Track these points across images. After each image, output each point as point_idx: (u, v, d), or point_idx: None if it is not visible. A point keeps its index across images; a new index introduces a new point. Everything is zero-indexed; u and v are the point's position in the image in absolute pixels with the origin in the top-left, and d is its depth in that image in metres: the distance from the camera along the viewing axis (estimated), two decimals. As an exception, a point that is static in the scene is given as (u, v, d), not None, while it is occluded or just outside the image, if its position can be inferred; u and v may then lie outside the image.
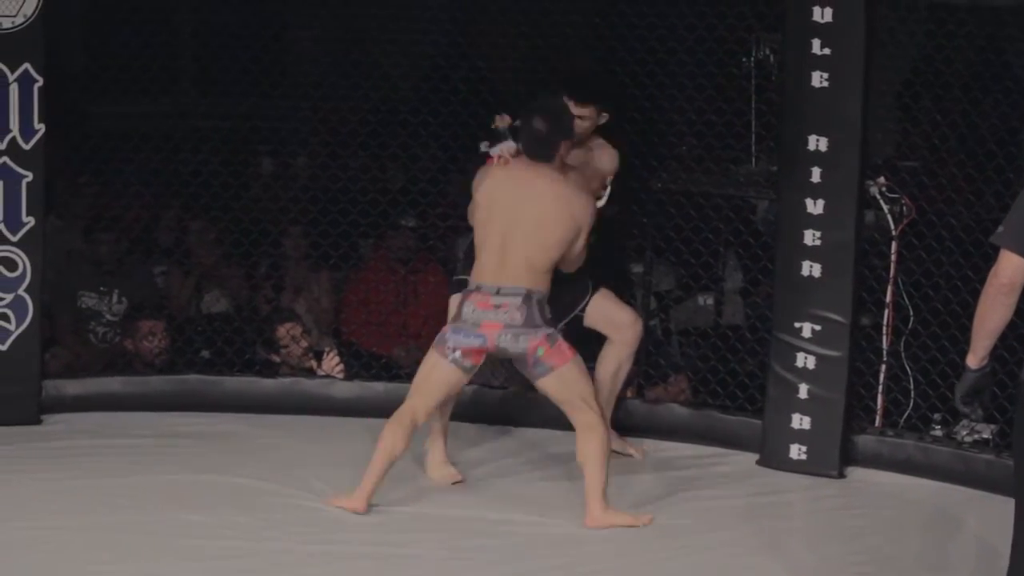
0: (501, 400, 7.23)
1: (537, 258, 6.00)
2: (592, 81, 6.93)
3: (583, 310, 6.64)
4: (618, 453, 6.61)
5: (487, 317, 5.97)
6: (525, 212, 6.02)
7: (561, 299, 6.33)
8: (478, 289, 6.01)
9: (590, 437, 5.96)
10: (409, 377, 7.24)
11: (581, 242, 6.08)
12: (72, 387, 7.22)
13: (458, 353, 5.99)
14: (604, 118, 6.63)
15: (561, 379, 5.99)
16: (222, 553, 5.62)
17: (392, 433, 5.98)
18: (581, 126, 6.46)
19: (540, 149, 6.10)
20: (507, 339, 5.97)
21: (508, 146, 6.30)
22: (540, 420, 7.03)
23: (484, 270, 6.03)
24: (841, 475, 6.63)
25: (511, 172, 6.16)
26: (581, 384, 6.03)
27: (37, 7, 6.83)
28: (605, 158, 6.71)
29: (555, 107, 6.24)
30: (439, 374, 6.04)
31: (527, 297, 5.97)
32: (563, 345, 6.00)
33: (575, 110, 6.42)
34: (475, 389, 7.01)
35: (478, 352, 6.00)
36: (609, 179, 6.68)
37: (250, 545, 5.70)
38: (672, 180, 7.14)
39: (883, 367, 6.71)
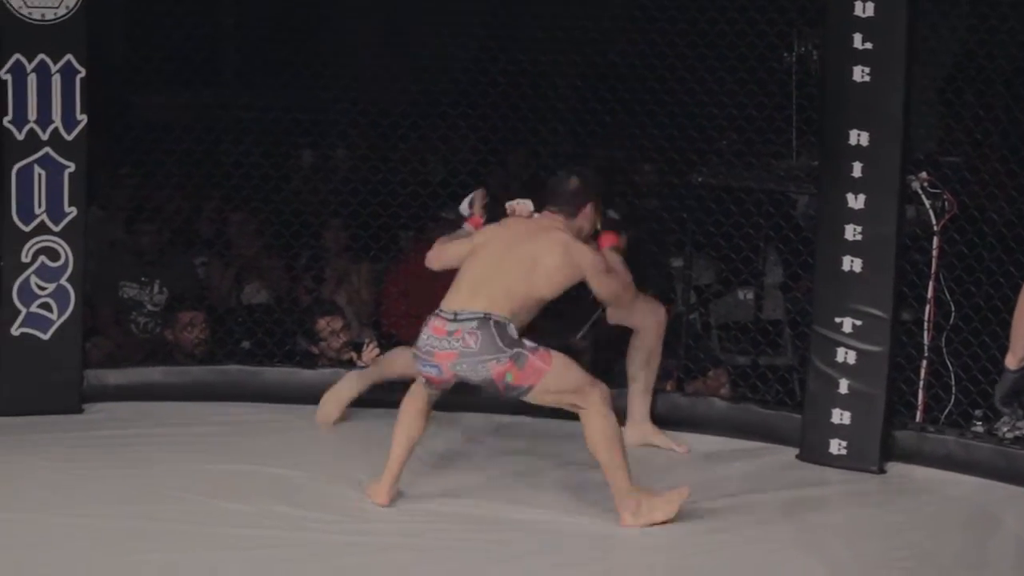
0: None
1: (520, 290, 5.83)
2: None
3: (604, 310, 6.60)
4: (659, 447, 6.60)
5: (440, 345, 5.76)
6: (521, 250, 5.90)
7: (580, 304, 6.31)
8: (437, 314, 5.82)
9: (590, 422, 5.78)
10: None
11: (599, 284, 5.96)
12: (113, 376, 7.24)
13: (422, 379, 5.91)
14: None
15: (545, 391, 5.81)
16: (261, 542, 5.64)
17: (408, 411, 5.97)
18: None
19: (564, 201, 6.02)
20: (464, 367, 5.74)
21: (526, 204, 6.31)
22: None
23: (450, 297, 5.86)
24: (881, 471, 6.60)
25: (520, 220, 6.13)
26: (567, 381, 5.81)
27: (80, -1, 6.87)
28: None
29: (591, 170, 6.26)
30: (412, 392, 6.03)
31: (483, 321, 5.74)
32: (536, 360, 5.75)
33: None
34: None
35: (437, 381, 5.86)
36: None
37: (289, 535, 5.72)
38: (713, 175, 7.13)
39: (924, 362, 6.67)
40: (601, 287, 5.98)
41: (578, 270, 5.91)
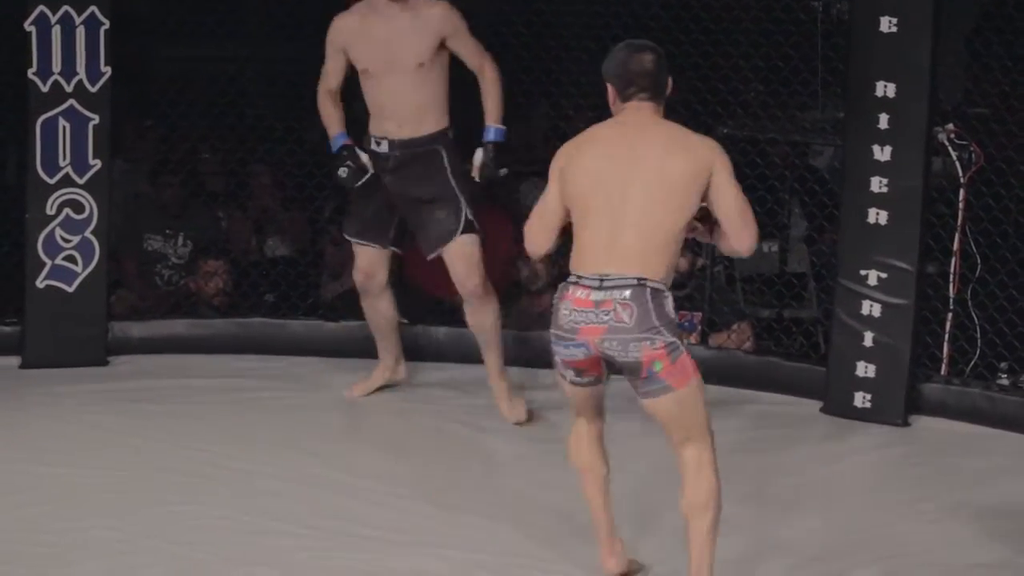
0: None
1: (667, 226, 4.64)
2: None
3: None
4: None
5: (585, 319, 4.61)
6: (644, 164, 4.66)
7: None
8: (577, 281, 4.64)
9: (702, 472, 4.73)
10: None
11: (733, 190, 4.67)
12: (138, 329, 7.23)
13: (570, 372, 4.75)
14: None
15: (679, 404, 4.68)
16: (286, 490, 5.65)
17: (581, 457, 4.97)
18: None
19: (651, 82, 4.74)
20: (614, 346, 4.58)
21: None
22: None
23: (585, 255, 4.67)
24: (906, 423, 6.56)
25: (609, 123, 4.84)
26: (699, 413, 4.73)
27: (104, -52, 6.83)
28: (435, 11, 6.25)
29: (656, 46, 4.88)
30: (571, 394, 4.86)
31: (638, 289, 4.58)
32: (687, 360, 4.64)
33: None
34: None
35: (590, 363, 4.71)
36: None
37: (312, 487, 5.72)
38: (738, 127, 7.10)
39: (949, 315, 6.63)
40: (732, 194, 4.69)
41: (707, 171, 4.67)
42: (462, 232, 6.32)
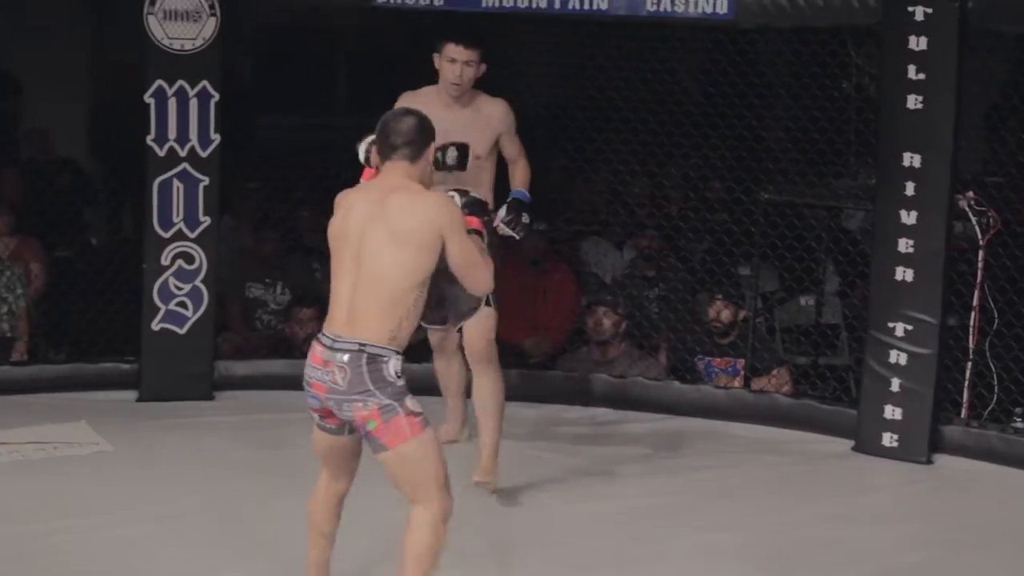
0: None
1: (393, 290, 4.41)
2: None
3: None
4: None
5: (316, 376, 4.45)
6: (375, 234, 4.44)
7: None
8: (319, 337, 4.49)
9: (418, 529, 4.47)
10: (538, 366, 7.37)
11: (462, 246, 4.48)
12: (241, 368, 7.29)
13: (316, 415, 4.57)
14: (483, 69, 5.95)
15: (397, 462, 4.45)
16: (371, 520, 5.67)
17: (313, 511, 4.77)
18: (467, 73, 5.88)
19: (404, 141, 4.52)
20: (332, 404, 4.43)
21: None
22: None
23: (331, 310, 4.49)
24: (929, 461, 6.58)
25: (369, 183, 4.70)
26: (421, 474, 4.44)
27: (215, 31, 6.94)
28: (496, 111, 6.02)
29: (420, 112, 4.66)
30: (316, 439, 4.64)
31: (357, 353, 4.38)
32: (404, 421, 4.39)
33: (462, 55, 5.84)
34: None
35: (326, 412, 4.51)
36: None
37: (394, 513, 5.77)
38: (778, 192, 7.14)
39: (969, 364, 6.64)
40: (461, 248, 4.49)
41: (438, 233, 4.45)
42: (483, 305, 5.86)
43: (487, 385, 5.94)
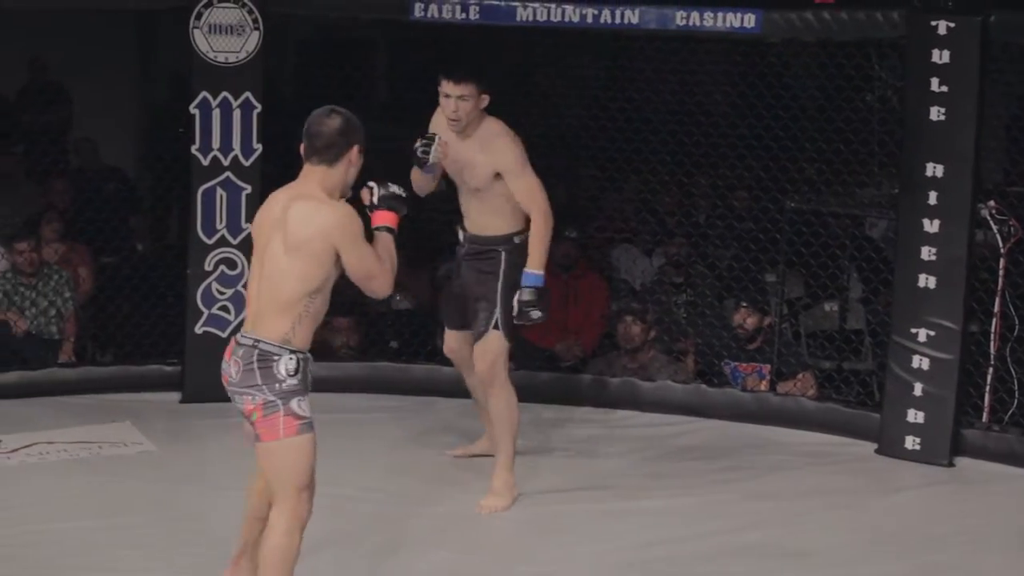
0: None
1: (289, 292, 4.43)
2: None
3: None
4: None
5: (225, 369, 4.53)
6: (276, 239, 4.46)
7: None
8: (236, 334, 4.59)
9: (273, 533, 4.49)
10: (568, 370, 7.38)
11: (357, 258, 4.43)
12: (281, 371, 7.34)
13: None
14: (486, 100, 5.74)
15: (267, 456, 4.48)
16: (400, 514, 5.74)
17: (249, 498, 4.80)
18: (463, 107, 5.68)
19: (324, 145, 4.47)
20: (231, 396, 4.53)
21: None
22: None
23: (246, 313, 4.60)
24: (951, 464, 6.57)
25: (284, 189, 4.61)
26: (287, 474, 4.46)
27: (257, 45, 6.99)
28: (494, 146, 5.74)
29: (348, 113, 4.57)
30: (244, 433, 4.65)
31: (250, 349, 4.44)
32: (281, 420, 4.42)
33: (454, 90, 5.66)
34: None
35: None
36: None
37: (430, 509, 5.83)
38: (803, 201, 7.14)
39: (990, 369, 6.62)
40: (352, 258, 4.44)
41: (330, 242, 4.41)
42: (492, 329, 5.85)
43: (495, 405, 5.87)
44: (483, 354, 5.83)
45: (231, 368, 4.49)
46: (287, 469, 4.46)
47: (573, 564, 5.36)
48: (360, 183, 4.69)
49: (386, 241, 4.57)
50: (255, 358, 4.43)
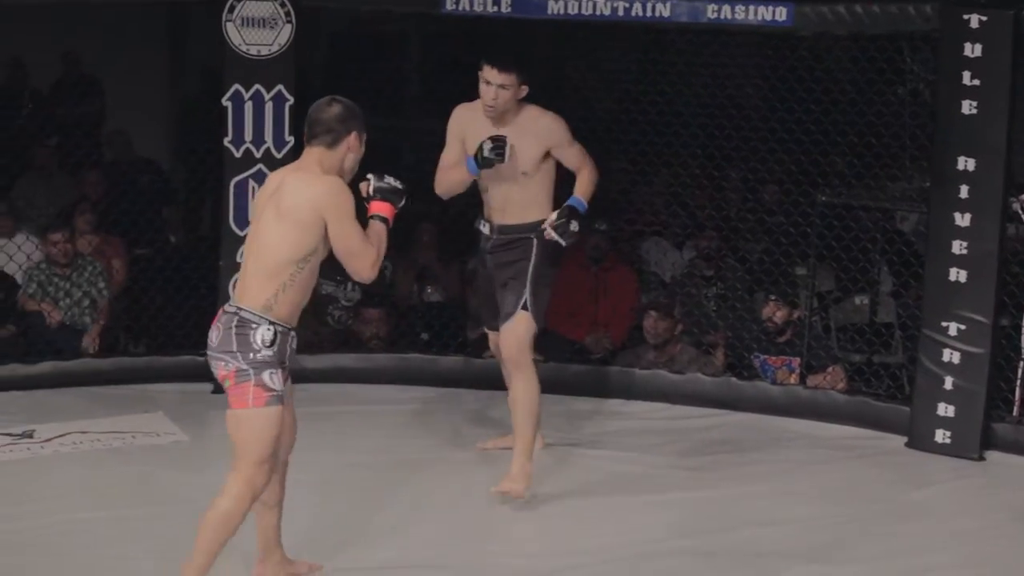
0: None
1: (272, 262, 4.51)
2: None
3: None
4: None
5: (210, 336, 4.62)
6: (269, 209, 4.57)
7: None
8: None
9: (224, 497, 4.55)
10: (598, 362, 7.38)
11: (341, 232, 4.51)
12: (311, 361, 7.31)
13: None
14: (524, 91, 5.79)
15: (233, 423, 4.55)
16: (435, 502, 5.77)
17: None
18: (502, 96, 5.73)
19: (324, 129, 4.59)
20: (210, 362, 4.60)
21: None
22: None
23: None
24: (981, 458, 6.55)
25: (282, 169, 4.77)
26: (249, 444, 4.51)
27: (290, 38, 7.01)
28: (543, 124, 5.84)
29: (349, 102, 4.70)
30: None
31: (231, 315, 4.52)
32: (251, 389, 4.49)
33: (496, 78, 5.72)
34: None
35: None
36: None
37: (455, 499, 5.84)
38: (835, 195, 7.13)
39: (1021, 363, 6.60)
40: (340, 233, 4.52)
41: (319, 216, 4.49)
42: (520, 310, 5.85)
43: (517, 389, 5.82)
44: (510, 335, 5.82)
45: (212, 333, 4.56)
46: (251, 439, 4.52)
47: (602, 556, 5.35)
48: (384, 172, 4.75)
49: (378, 229, 4.65)
50: (234, 324, 4.51)
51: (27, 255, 7.53)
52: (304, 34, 7.09)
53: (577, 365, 7.34)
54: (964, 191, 6.47)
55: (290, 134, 7.03)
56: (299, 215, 4.49)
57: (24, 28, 8.73)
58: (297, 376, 7.11)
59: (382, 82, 7.70)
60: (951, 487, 6.29)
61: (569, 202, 5.82)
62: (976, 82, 6.40)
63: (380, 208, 4.69)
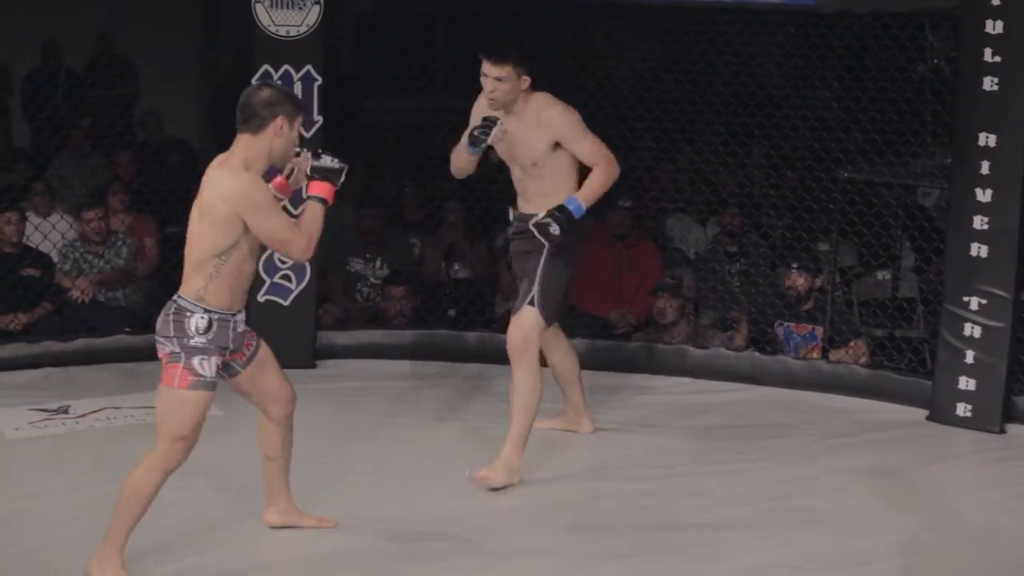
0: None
1: (200, 253, 4.62)
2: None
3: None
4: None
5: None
6: (195, 203, 4.66)
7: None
8: None
9: (142, 469, 4.70)
10: (621, 337, 7.39)
11: (261, 226, 4.53)
12: (341, 338, 7.38)
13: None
14: (526, 82, 5.65)
15: (159, 398, 4.70)
16: (449, 482, 5.76)
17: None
18: (501, 88, 5.63)
19: (249, 114, 4.57)
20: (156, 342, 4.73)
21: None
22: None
23: None
24: (1002, 431, 6.54)
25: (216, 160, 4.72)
26: (171, 420, 4.66)
27: (318, 19, 7.02)
28: (548, 116, 5.68)
29: (279, 86, 4.82)
30: None
31: (170, 303, 4.68)
32: (179, 372, 4.62)
33: (491, 71, 5.61)
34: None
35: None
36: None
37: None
38: (857, 171, 7.11)
39: (1042, 337, 6.60)
40: (260, 226, 4.54)
41: (233, 211, 4.53)
42: (527, 305, 5.78)
43: (518, 380, 5.74)
44: (516, 328, 5.76)
45: (159, 318, 4.70)
46: (170, 417, 4.68)
47: (624, 528, 5.37)
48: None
49: (313, 210, 4.66)
50: (172, 311, 4.67)
51: (61, 234, 7.58)
52: (332, 15, 7.09)
53: (602, 340, 7.34)
54: (985, 167, 6.44)
55: (319, 114, 7.04)
56: (214, 214, 4.56)
57: (59, 10, 8.78)
58: (327, 352, 7.29)
59: (409, 63, 7.69)
60: (972, 460, 6.28)
61: (564, 202, 5.67)
62: (997, 59, 6.37)
63: (318, 189, 4.68)
